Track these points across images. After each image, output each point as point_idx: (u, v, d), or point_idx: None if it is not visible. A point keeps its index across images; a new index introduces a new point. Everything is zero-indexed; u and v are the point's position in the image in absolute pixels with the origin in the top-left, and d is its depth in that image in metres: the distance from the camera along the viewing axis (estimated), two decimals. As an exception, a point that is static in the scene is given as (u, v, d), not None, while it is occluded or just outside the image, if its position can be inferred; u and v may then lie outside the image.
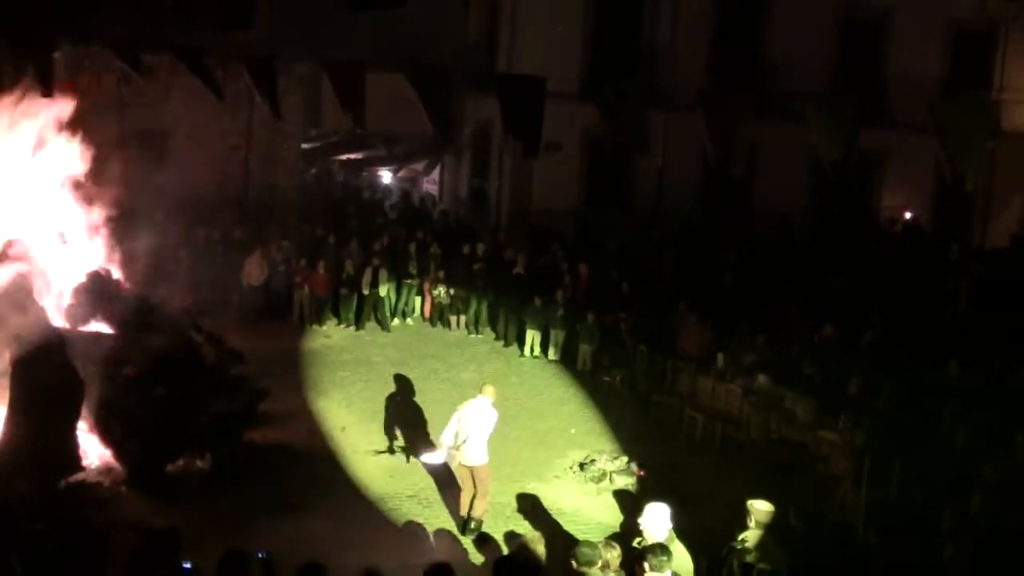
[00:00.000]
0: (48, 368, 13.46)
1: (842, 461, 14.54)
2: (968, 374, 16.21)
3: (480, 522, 13.06)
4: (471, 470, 13.06)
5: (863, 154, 24.44)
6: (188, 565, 8.07)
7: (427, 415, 16.67)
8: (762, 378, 16.98)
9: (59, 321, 15.05)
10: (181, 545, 8.33)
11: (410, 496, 14.21)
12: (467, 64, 28.11)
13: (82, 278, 15.96)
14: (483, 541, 12.75)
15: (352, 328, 22.40)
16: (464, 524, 13.12)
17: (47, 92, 15.58)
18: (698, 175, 27.41)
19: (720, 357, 18.11)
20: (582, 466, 15.48)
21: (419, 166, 34.66)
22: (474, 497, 13.10)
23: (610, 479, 15.10)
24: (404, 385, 18.12)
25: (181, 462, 14.10)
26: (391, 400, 17.47)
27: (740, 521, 10.06)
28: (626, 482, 15.05)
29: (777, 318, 19.70)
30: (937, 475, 13.59)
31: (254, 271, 22.50)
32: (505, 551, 12.00)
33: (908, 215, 28.72)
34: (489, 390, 13.35)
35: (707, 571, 9.09)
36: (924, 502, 13.19)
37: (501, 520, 13.46)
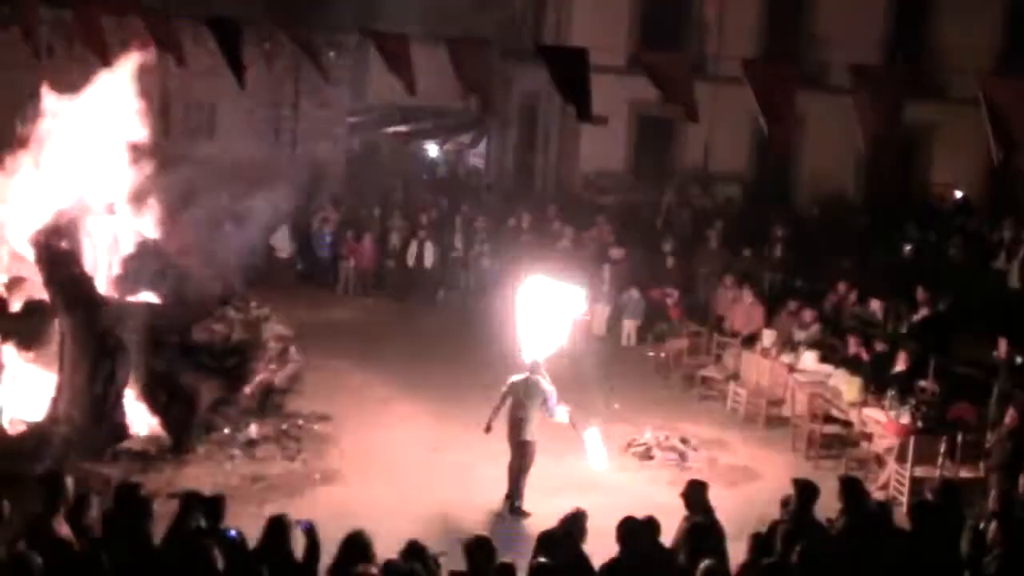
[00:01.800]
0: (96, 337, 13.61)
1: (887, 439, 14.42)
2: (1017, 352, 15.98)
3: (520, 499, 12.95)
4: (517, 444, 12.93)
5: (912, 128, 24.11)
6: (233, 533, 8.15)
7: (471, 388, 16.70)
8: (808, 355, 16.86)
9: (108, 290, 15.20)
10: (225, 512, 8.42)
11: (453, 467, 14.24)
12: (514, 37, 27.99)
13: (130, 248, 16.10)
14: (523, 515, 12.76)
15: (397, 301, 22.45)
16: (507, 500, 13.06)
17: (103, 60, 15.58)
18: (745, 148, 27.20)
19: (766, 333, 18.00)
20: (626, 441, 15.45)
21: (465, 139, 34.63)
22: (517, 472, 12.95)
23: (654, 455, 15.06)
24: (447, 357, 18.18)
25: (226, 431, 14.22)
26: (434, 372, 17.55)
27: (784, 498, 10.02)
28: (670, 458, 15.01)
29: (824, 294, 19.54)
30: (984, 454, 13.46)
31: (283, 243, 22.65)
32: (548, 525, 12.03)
33: (958, 194, 28.27)
34: (534, 365, 13.12)
35: (750, 549, 9.05)
36: (971, 481, 13.08)
37: (544, 495, 13.46)
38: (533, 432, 12.92)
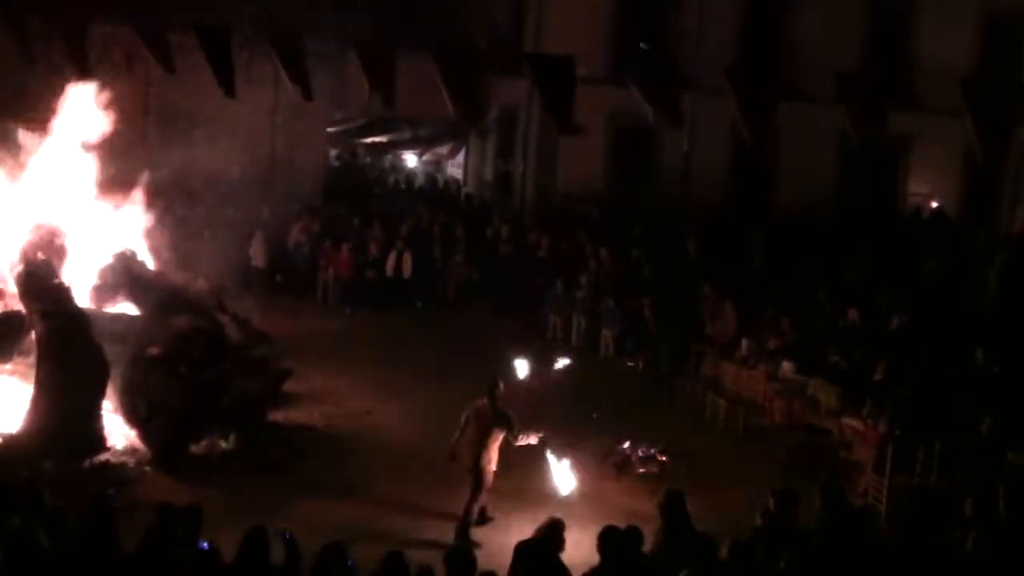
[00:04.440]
0: (74, 348, 13.54)
1: (865, 448, 14.47)
2: (994, 361, 16.06)
3: (469, 520, 12.44)
4: (474, 471, 12.44)
5: (890, 138, 24.25)
6: (205, 545, 8.08)
7: (450, 398, 16.68)
8: (786, 364, 16.91)
9: (85, 302, 15.13)
10: (201, 523, 8.37)
11: (433, 478, 14.20)
12: (493, 47, 28.03)
13: (108, 259, 16.03)
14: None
15: (376, 310, 22.42)
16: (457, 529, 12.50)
17: (82, 71, 15.50)
18: (724, 158, 27.32)
19: (744, 343, 18.04)
20: (604, 451, 15.45)
21: (444, 149, 34.63)
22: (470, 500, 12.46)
23: (632, 464, 15.06)
24: (426, 368, 18.15)
25: (205, 442, 14.16)
26: (413, 383, 17.53)
27: (763, 507, 10.03)
28: (648, 468, 15.01)
29: (802, 303, 19.59)
30: (961, 463, 13.50)
31: (259, 252, 22.62)
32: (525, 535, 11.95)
33: (934, 204, 28.41)
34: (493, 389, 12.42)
35: (730, 557, 9.04)
36: (948, 490, 13.11)
37: (521, 505, 13.43)
38: (491, 459, 12.39)
